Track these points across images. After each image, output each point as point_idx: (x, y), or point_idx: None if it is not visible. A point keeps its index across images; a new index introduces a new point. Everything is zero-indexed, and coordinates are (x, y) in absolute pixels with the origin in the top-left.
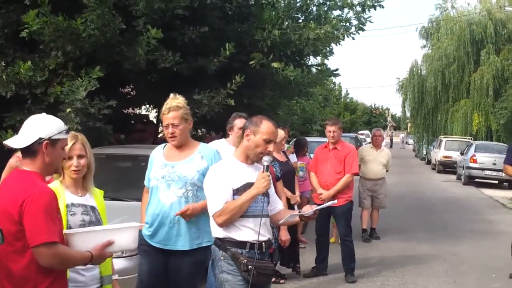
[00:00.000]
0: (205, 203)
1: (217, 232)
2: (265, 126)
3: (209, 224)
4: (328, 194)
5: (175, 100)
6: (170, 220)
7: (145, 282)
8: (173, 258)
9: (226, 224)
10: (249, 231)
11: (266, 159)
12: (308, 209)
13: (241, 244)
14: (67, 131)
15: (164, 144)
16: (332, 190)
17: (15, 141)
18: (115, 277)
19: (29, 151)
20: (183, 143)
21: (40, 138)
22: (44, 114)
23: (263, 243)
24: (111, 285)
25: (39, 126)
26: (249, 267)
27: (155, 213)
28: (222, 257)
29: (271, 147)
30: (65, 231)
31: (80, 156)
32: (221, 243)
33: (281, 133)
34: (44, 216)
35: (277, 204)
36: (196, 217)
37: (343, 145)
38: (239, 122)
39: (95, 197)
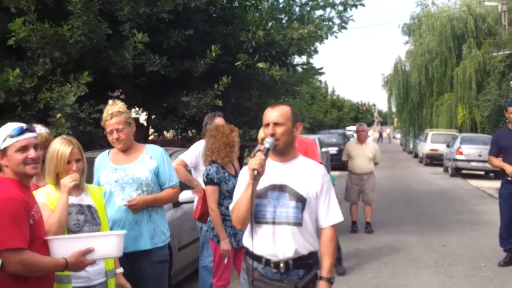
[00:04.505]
0: (155, 197)
1: (244, 240)
2: (263, 115)
3: (163, 224)
4: None
5: (116, 106)
6: (129, 222)
7: None
8: (136, 261)
9: (240, 225)
10: (268, 243)
11: (267, 140)
12: None
13: (257, 258)
14: (20, 132)
15: (107, 151)
16: None
17: None
18: (119, 270)
19: None
20: (129, 146)
21: None
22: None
23: (281, 262)
24: (114, 279)
25: None
26: (251, 287)
27: (113, 217)
28: (242, 268)
29: (270, 129)
30: (45, 237)
31: (77, 160)
32: (246, 252)
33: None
34: (7, 223)
35: (323, 218)
36: (152, 217)
37: (300, 141)
38: (220, 121)
39: (92, 196)
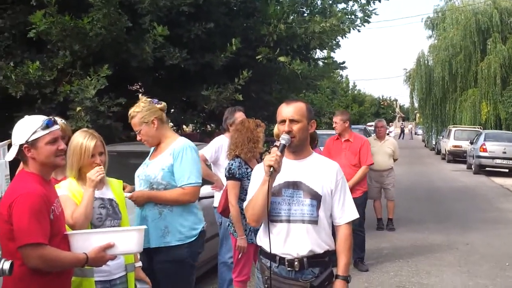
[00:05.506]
0: (157, 194)
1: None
2: (278, 111)
3: (181, 223)
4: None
5: (136, 105)
6: (140, 217)
7: None
8: (146, 257)
9: (255, 222)
10: (282, 241)
11: (282, 137)
12: None
13: (271, 256)
14: (50, 124)
15: None
16: (351, 182)
17: (9, 155)
18: (138, 264)
19: (21, 159)
20: (159, 141)
21: (21, 145)
22: (20, 120)
23: (295, 261)
24: (134, 273)
25: (16, 134)
26: (266, 286)
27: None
28: (256, 267)
29: (286, 126)
30: (66, 232)
31: (100, 153)
32: (260, 251)
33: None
34: (28, 218)
35: (338, 216)
36: (162, 214)
37: (356, 136)
38: (240, 116)
39: (112, 189)
